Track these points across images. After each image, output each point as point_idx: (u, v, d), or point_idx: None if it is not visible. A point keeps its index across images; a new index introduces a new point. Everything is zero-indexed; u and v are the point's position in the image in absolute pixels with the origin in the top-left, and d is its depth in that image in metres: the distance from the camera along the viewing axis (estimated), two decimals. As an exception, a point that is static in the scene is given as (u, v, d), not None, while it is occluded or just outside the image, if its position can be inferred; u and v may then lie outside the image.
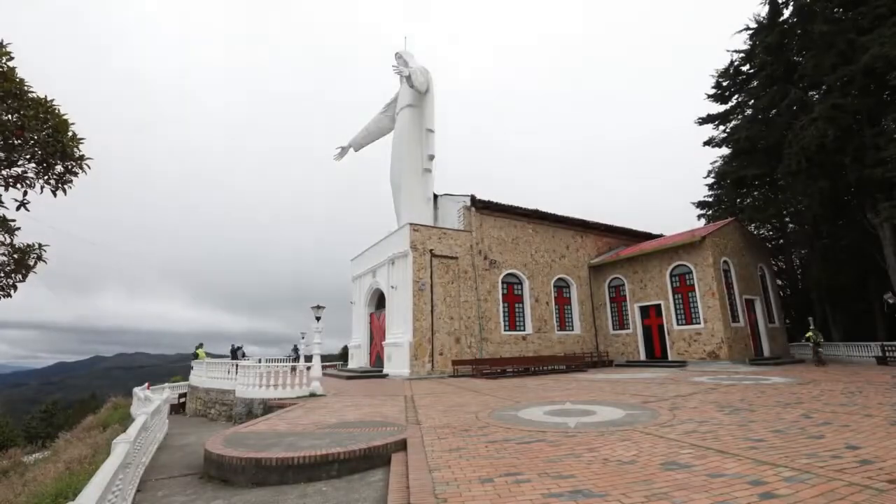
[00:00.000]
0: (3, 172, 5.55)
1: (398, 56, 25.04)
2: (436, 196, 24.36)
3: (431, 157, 23.53)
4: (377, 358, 22.01)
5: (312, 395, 11.93)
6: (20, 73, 5.41)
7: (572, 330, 23.89)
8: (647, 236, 28.36)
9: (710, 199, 33.39)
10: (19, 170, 5.66)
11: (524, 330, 22.01)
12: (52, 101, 5.59)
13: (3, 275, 5.74)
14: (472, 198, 21.71)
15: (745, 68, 28.82)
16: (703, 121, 31.15)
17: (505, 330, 21.33)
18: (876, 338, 23.36)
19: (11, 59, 5.31)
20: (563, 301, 23.99)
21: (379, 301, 23.42)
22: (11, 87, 5.27)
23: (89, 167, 6.04)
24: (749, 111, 28.86)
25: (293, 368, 12.94)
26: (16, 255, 5.76)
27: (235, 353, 23.06)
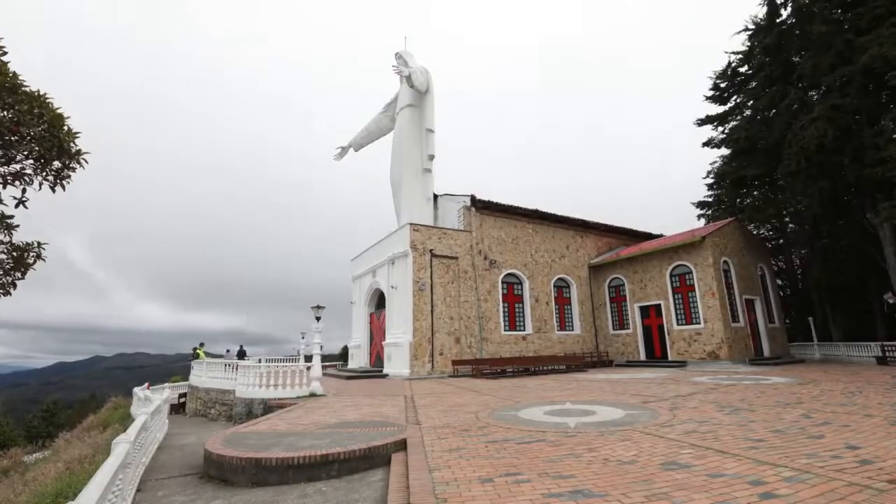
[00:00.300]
0: (1, 170, 5.50)
1: (398, 56, 25.02)
2: (436, 196, 24.35)
3: (431, 157, 23.53)
4: (377, 358, 22.00)
5: (312, 395, 11.93)
6: (12, 67, 5.26)
7: (572, 330, 23.89)
8: (647, 236, 28.35)
9: (710, 200, 33.42)
10: (17, 166, 5.58)
11: (524, 330, 22.00)
12: (45, 94, 5.46)
13: (1, 272, 5.70)
14: (472, 198, 21.70)
15: (742, 69, 28.87)
16: (702, 122, 31.17)
17: (505, 330, 21.32)
18: (876, 338, 23.37)
19: (5, 53, 5.18)
20: (563, 301, 23.99)
21: (379, 301, 23.41)
22: (4, 81, 5.15)
23: (87, 161, 5.92)
24: (748, 112, 28.87)
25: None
26: (15, 254, 5.72)
27: (242, 355, 22.92)
